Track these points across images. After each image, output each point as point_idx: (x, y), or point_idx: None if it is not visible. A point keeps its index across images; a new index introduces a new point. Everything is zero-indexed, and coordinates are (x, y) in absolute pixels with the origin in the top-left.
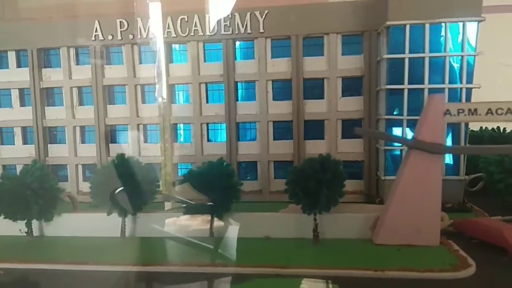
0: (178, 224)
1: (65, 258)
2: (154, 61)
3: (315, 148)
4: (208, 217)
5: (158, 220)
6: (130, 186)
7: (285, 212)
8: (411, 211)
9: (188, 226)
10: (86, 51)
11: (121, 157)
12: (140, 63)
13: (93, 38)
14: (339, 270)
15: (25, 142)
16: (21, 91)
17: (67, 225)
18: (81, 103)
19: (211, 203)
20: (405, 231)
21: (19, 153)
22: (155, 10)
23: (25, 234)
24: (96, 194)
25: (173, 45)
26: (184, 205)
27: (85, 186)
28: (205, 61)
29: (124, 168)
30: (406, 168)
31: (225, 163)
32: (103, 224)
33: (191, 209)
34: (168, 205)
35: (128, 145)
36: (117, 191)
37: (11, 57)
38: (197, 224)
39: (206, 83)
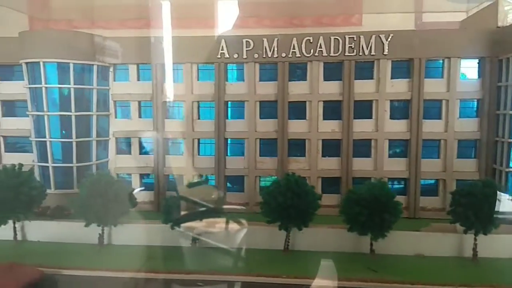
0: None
1: None
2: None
3: (429, 166)
4: None
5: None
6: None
7: (430, 231)
8: None
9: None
10: (206, 67)
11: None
12: (260, 80)
13: (218, 56)
14: None
15: (140, 152)
16: (139, 103)
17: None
18: (198, 117)
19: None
20: None
21: (134, 163)
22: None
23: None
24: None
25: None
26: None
27: None
28: (324, 80)
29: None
30: None
31: (385, 184)
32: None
33: (356, 227)
34: None
35: (243, 158)
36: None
37: (132, 70)
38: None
39: (323, 101)
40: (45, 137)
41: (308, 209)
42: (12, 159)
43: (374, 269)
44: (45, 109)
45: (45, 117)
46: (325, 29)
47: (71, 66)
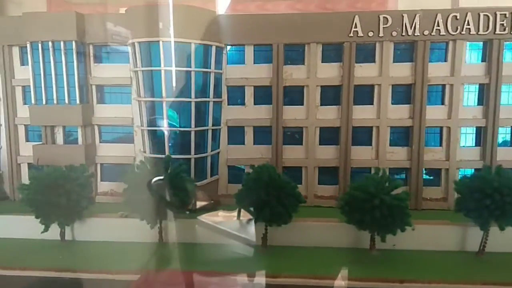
0: None
1: None
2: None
3: None
4: None
5: None
6: None
7: None
8: None
9: None
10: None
11: None
12: (394, 61)
13: (351, 35)
14: None
15: (255, 142)
16: (255, 88)
17: None
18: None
19: None
20: None
21: (249, 153)
22: None
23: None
24: None
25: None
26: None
27: (320, 190)
28: (466, 61)
29: None
30: None
31: None
32: None
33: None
34: None
35: (371, 148)
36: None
37: (248, 51)
38: None
39: (463, 84)
40: (161, 126)
41: None
42: (110, 150)
43: None
44: (163, 94)
45: (163, 104)
46: None
47: (193, 46)
